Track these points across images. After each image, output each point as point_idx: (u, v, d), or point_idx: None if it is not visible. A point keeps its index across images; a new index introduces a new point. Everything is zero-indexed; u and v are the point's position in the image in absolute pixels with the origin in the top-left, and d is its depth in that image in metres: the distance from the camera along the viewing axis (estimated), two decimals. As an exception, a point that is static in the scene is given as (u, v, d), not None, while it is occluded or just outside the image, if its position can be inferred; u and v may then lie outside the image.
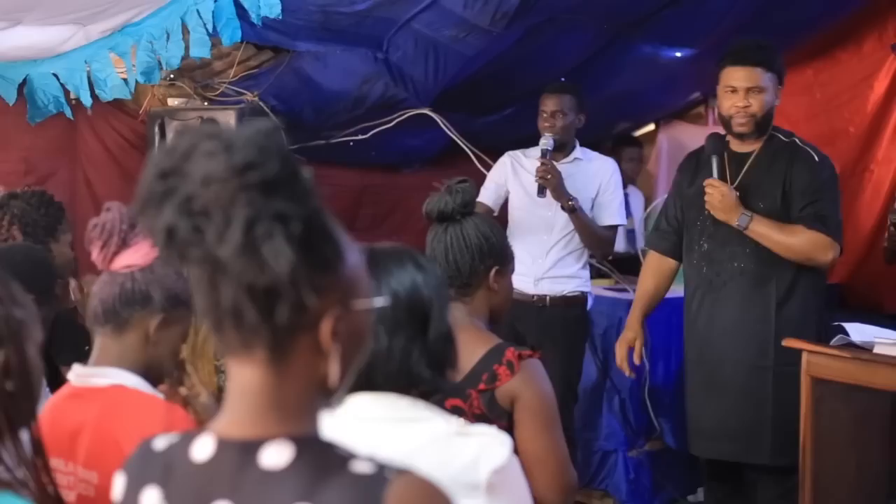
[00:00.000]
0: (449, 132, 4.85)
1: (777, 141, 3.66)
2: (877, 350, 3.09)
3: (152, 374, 2.00)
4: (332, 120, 4.86)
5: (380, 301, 1.35)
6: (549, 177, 4.10)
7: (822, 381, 3.17)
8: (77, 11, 3.99)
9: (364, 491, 1.08)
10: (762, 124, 3.60)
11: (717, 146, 3.63)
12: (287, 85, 4.64)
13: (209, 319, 1.12)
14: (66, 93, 4.49)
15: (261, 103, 4.59)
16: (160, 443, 1.21)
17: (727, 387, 3.61)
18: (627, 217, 4.98)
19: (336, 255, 1.13)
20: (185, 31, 4.06)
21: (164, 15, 4.06)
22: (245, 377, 1.14)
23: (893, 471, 3.31)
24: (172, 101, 4.70)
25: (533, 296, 4.28)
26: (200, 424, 1.99)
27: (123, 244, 1.94)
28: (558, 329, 4.25)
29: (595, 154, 4.54)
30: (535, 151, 4.27)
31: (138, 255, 1.94)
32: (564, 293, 4.31)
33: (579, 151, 4.44)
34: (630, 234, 5.01)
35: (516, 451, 2.12)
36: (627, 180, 5.61)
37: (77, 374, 1.98)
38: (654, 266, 3.93)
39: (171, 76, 4.62)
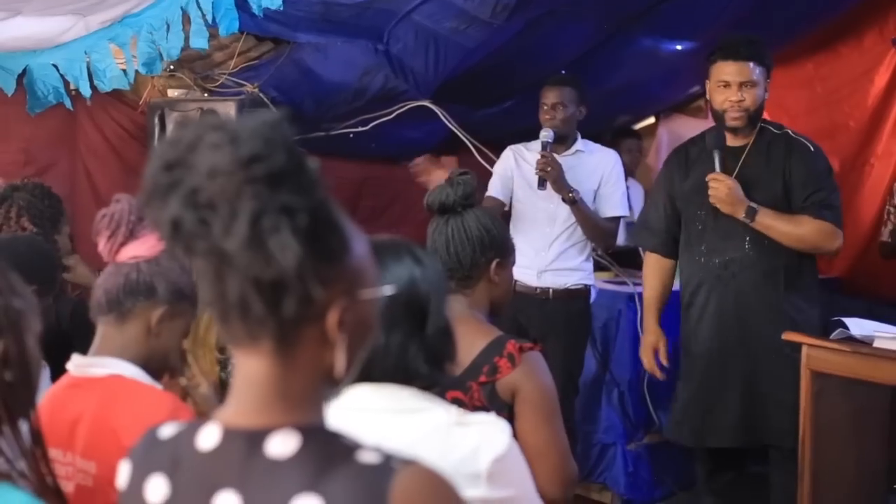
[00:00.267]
0: (449, 124, 4.85)
1: (768, 133, 3.69)
2: (876, 344, 3.09)
3: (153, 366, 2.01)
4: (332, 112, 4.85)
5: (387, 290, 1.35)
6: (548, 169, 4.10)
7: (821, 374, 3.17)
8: (77, 2, 3.98)
9: (370, 481, 1.08)
10: (755, 118, 3.63)
11: (718, 140, 3.63)
12: (287, 76, 4.63)
13: (215, 311, 1.12)
14: (66, 83, 4.48)
15: (261, 95, 4.59)
16: (166, 431, 1.21)
17: (747, 375, 3.61)
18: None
19: (342, 245, 1.13)
20: (185, 21, 4.05)
21: (164, 5, 4.04)
22: (251, 368, 1.14)
23: (892, 464, 3.32)
24: (172, 93, 4.69)
25: (536, 288, 4.28)
26: (200, 415, 1.99)
27: (131, 235, 1.95)
28: (561, 322, 4.25)
29: (597, 146, 4.53)
30: (537, 145, 4.28)
31: (144, 246, 1.94)
32: (567, 286, 4.31)
33: (581, 144, 4.43)
34: (630, 226, 5.00)
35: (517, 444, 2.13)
36: (627, 172, 5.58)
37: (76, 365, 1.98)
38: (657, 266, 3.92)
39: (172, 67, 4.61)
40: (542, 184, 4.15)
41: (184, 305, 2.00)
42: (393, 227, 4.83)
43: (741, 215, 3.52)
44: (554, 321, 4.23)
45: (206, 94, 4.68)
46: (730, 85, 3.58)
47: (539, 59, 4.83)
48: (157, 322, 1.97)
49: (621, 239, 4.60)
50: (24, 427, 1.46)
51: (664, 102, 6.47)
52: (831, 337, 3.18)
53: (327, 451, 1.11)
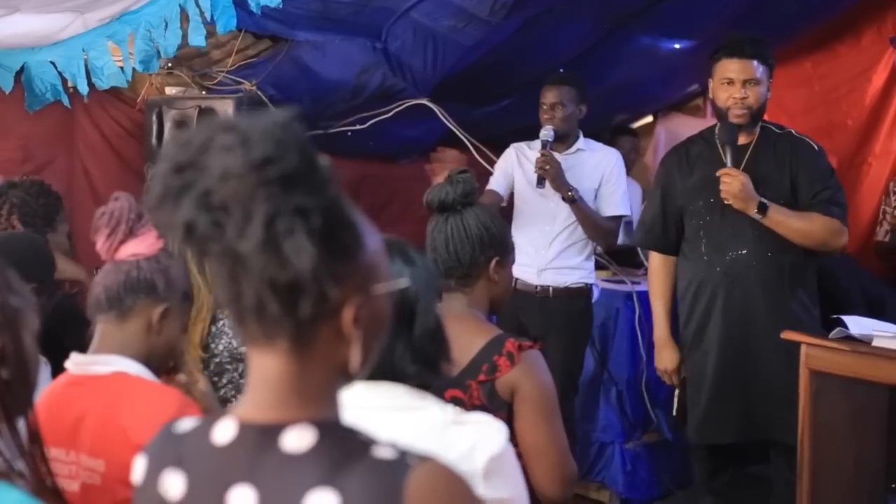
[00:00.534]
0: (447, 122, 4.84)
1: (771, 132, 3.69)
2: (875, 343, 3.09)
3: (153, 363, 2.01)
4: (330, 110, 4.85)
5: (401, 283, 1.34)
6: (547, 167, 4.09)
7: (820, 373, 3.17)
8: (75, -1, 3.98)
9: (385, 476, 1.08)
10: (757, 116, 3.63)
11: (731, 135, 3.60)
12: (285, 74, 4.62)
13: (230, 312, 1.13)
14: (64, 81, 4.48)
15: (259, 92, 4.57)
16: (181, 426, 1.22)
17: (758, 372, 3.60)
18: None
19: (356, 242, 1.13)
20: (183, 19, 4.05)
21: (162, 3, 4.04)
22: (266, 365, 1.14)
23: (891, 463, 3.31)
24: (170, 90, 4.68)
25: (536, 286, 4.27)
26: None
27: (130, 233, 1.95)
28: (561, 320, 4.24)
29: (598, 145, 4.53)
30: (538, 143, 4.27)
31: (144, 244, 1.94)
32: (568, 284, 4.30)
33: (582, 142, 4.42)
34: (628, 225, 4.99)
35: (516, 442, 2.12)
36: (624, 170, 5.60)
37: (76, 363, 1.97)
38: (663, 267, 3.88)
39: (169, 65, 4.61)
40: (540, 182, 4.15)
41: (183, 303, 2.01)
42: (391, 226, 4.82)
43: (753, 210, 3.50)
44: (554, 320, 4.22)
45: (203, 92, 4.67)
46: (733, 82, 3.58)
47: (537, 57, 4.83)
48: (158, 320, 1.98)
49: (621, 238, 4.60)
50: (22, 426, 1.45)
51: (662, 101, 6.48)
52: (830, 336, 3.18)
53: (343, 446, 1.11)
